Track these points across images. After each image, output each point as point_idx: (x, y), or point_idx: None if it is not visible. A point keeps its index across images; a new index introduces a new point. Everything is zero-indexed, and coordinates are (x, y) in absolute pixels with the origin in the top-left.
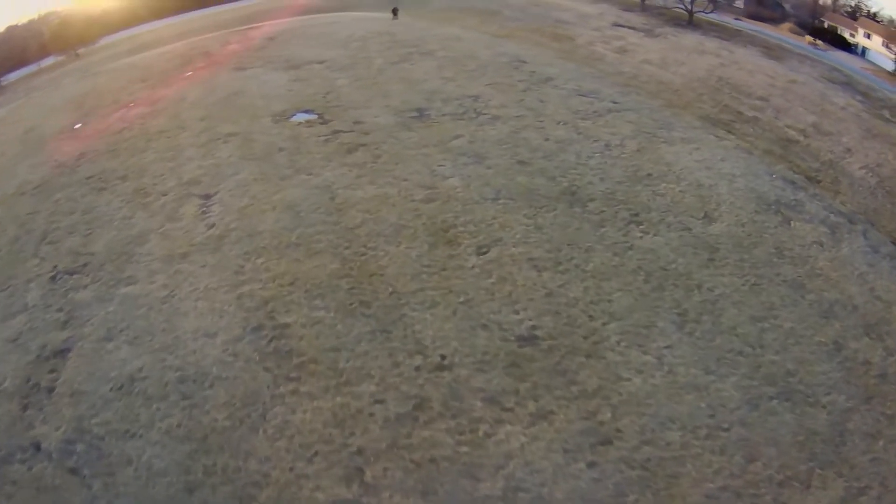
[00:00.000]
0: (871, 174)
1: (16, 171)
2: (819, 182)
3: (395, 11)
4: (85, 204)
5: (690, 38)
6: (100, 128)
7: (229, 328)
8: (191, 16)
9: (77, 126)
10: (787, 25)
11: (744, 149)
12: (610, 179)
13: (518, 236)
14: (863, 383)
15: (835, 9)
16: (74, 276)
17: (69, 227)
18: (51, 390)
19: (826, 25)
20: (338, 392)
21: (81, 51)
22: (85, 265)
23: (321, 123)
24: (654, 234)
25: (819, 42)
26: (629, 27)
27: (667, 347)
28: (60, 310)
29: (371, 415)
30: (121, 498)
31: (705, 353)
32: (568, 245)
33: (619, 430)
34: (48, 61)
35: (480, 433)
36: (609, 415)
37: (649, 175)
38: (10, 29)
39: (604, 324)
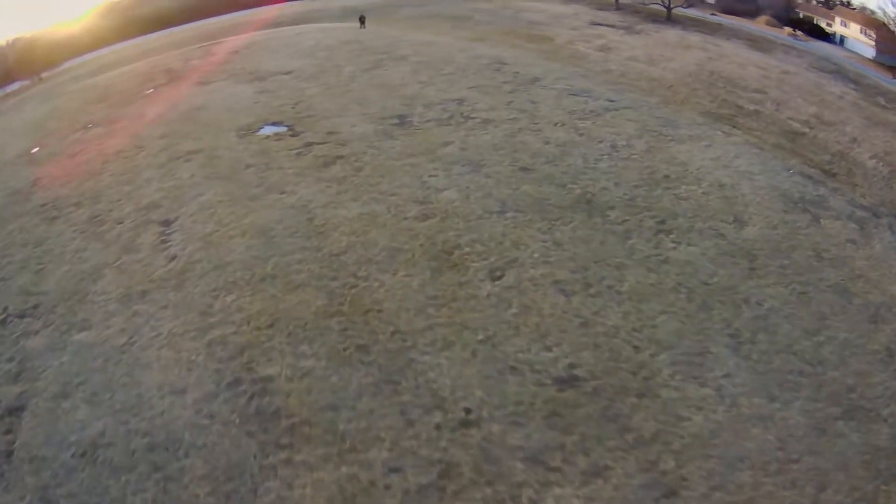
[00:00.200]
0: (882, 164)
1: None
2: (834, 175)
3: (362, 20)
4: (37, 235)
5: (672, 34)
6: (56, 151)
7: (200, 383)
8: (155, 35)
9: (34, 150)
10: (763, 18)
11: (753, 144)
12: (626, 184)
13: (536, 255)
14: None
15: (808, 0)
16: (25, 320)
17: (21, 261)
18: (9, 454)
19: (801, 16)
20: (342, 461)
21: (45, 74)
22: (36, 307)
23: (292, 136)
24: (688, 244)
25: (799, 33)
26: (607, 25)
27: (725, 376)
28: (12, 359)
29: (387, 487)
30: None
31: (766, 377)
32: (595, 263)
33: (684, 479)
34: (13, 87)
35: (525, 500)
36: (672, 462)
37: (667, 177)
38: None
39: (652, 355)
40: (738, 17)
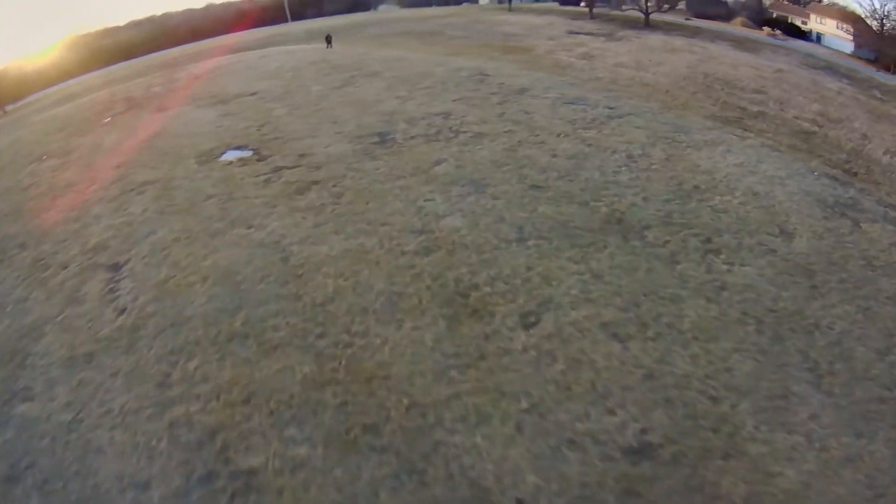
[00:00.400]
0: None
1: None
2: (856, 174)
3: (328, 40)
4: None
5: (655, 38)
6: (9, 186)
7: (166, 476)
8: (120, 66)
9: None
10: (739, 20)
11: (770, 146)
12: (655, 198)
13: (574, 292)
14: None
15: None
16: None
17: None
18: None
19: (775, 16)
20: None
21: (10, 107)
22: None
23: (258, 160)
24: (741, 265)
25: (778, 32)
26: (586, 34)
27: (812, 418)
28: None
29: None
30: None
31: (850, 411)
32: (645, 296)
33: None
34: None
35: None
36: None
37: (697, 188)
38: None
39: (732, 405)
40: (712, 21)
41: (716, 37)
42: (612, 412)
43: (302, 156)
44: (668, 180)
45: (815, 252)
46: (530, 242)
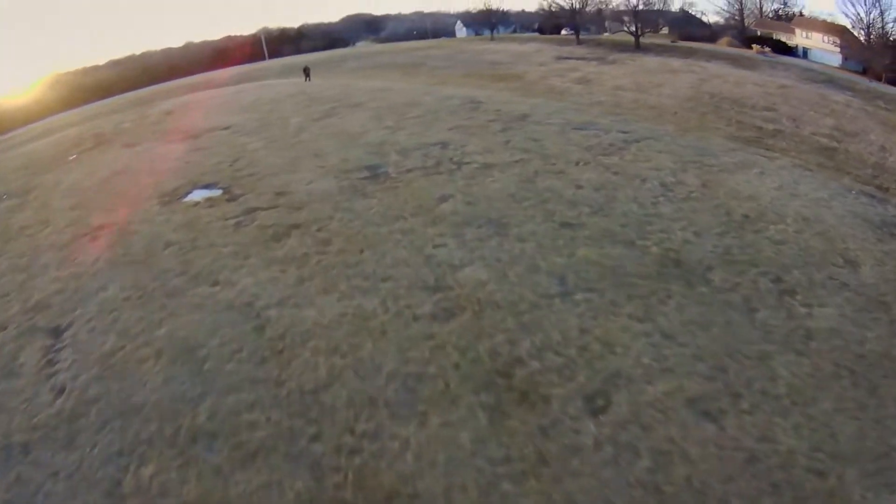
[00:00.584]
0: None
1: None
2: (887, 189)
3: (306, 72)
4: None
5: (651, 60)
6: None
7: None
8: (101, 103)
9: None
10: (724, 40)
11: (800, 166)
12: (707, 232)
13: (646, 360)
14: None
15: (761, 16)
16: None
17: None
18: None
19: (759, 34)
20: None
21: None
22: None
23: (228, 200)
24: (819, 305)
25: (767, 49)
26: (577, 58)
27: None
28: None
29: None
30: None
31: None
32: (729, 356)
33: None
34: None
35: None
36: None
37: (746, 217)
38: None
39: (839, 476)
40: (697, 42)
41: (711, 56)
42: None
43: (279, 194)
44: (713, 210)
45: (883, 281)
46: (577, 296)
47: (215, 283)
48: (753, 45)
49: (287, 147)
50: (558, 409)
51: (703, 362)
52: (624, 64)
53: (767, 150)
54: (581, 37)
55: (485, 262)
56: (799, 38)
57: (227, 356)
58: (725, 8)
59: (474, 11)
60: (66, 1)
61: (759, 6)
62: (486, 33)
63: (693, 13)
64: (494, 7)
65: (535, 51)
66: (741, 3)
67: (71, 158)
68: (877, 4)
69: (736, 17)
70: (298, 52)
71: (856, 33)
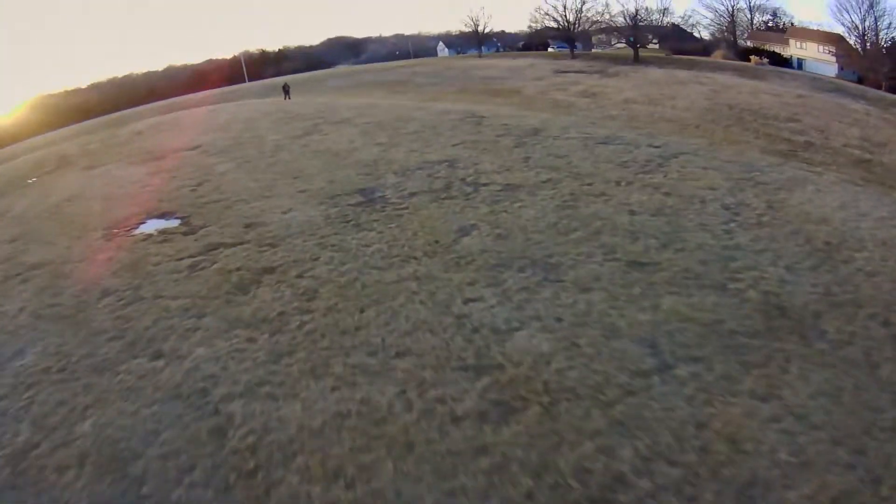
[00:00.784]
0: None
1: None
2: None
3: (286, 89)
4: None
5: (654, 73)
6: None
7: None
8: (82, 124)
9: None
10: (718, 52)
11: (847, 181)
12: (798, 266)
13: (783, 456)
14: None
15: (752, 28)
16: None
17: None
18: None
19: (751, 46)
20: None
21: None
22: None
23: (186, 234)
24: None
25: (765, 61)
26: (575, 72)
27: None
28: None
29: None
30: None
31: None
32: (866, 433)
33: None
34: None
35: None
36: None
37: (828, 244)
38: None
39: None
40: (690, 56)
41: (715, 67)
42: None
43: (249, 226)
44: (791, 237)
45: None
46: (680, 371)
47: (157, 356)
48: (751, 57)
49: (262, 168)
50: None
51: (841, 446)
52: (627, 76)
53: (807, 163)
54: (575, 51)
55: (541, 323)
56: (793, 49)
57: (172, 477)
58: (717, 21)
59: (455, 34)
60: (51, 25)
61: (749, 19)
62: (473, 52)
63: (684, 27)
64: (480, 25)
65: (528, 66)
66: (733, 17)
67: (30, 182)
68: (871, 11)
69: (725, 31)
70: (279, 73)
71: (851, 42)
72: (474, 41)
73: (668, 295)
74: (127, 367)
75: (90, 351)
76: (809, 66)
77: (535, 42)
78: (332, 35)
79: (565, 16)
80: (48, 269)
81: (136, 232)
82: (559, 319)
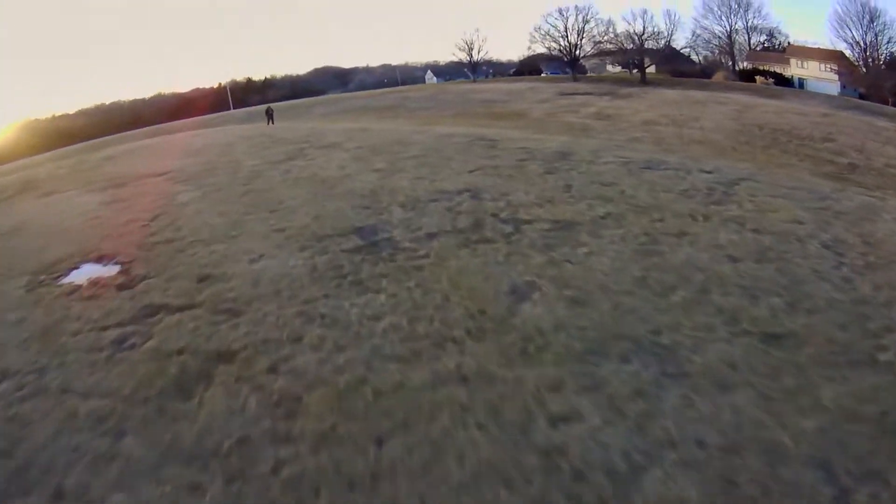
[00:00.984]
0: None
1: None
2: None
3: (269, 114)
4: None
5: (668, 94)
6: None
7: None
8: (66, 148)
9: None
10: (720, 74)
11: None
12: None
13: None
14: None
15: (750, 49)
16: None
17: None
18: None
19: (750, 67)
20: None
21: None
22: None
23: (121, 287)
24: None
25: (771, 81)
26: (582, 94)
27: None
28: None
29: None
30: None
31: None
32: None
33: None
34: None
35: None
36: None
37: None
38: None
39: None
40: (690, 78)
41: (727, 88)
42: None
43: (204, 279)
44: None
45: None
46: (858, 496)
47: (57, 497)
48: (757, 78)
49: (231, 198)
50: None
51: None
52: (640, 98)
53: (864, 188)
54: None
55: (677, 453)
56: (794, 69)
57: None
58: (715, 43)
59: (443, 63)
60: (45, 50)
61: (747, 40)
62: (466, 78)
63: (680, 49)
64: (475, 49)
65: (528, 88)
66: (731, 38)
67: None
68: (871, 26)
69: (718, 53)
70: (265, 101)
71: (853, 58)
72: (464, 69)
73: (824, 382)
74: None
75: None
76: (811, 85)
77: (526, 68)
78: (320, 65)
79: (566, 36)
80: None
81: (65, 280)
82: (702, 444)
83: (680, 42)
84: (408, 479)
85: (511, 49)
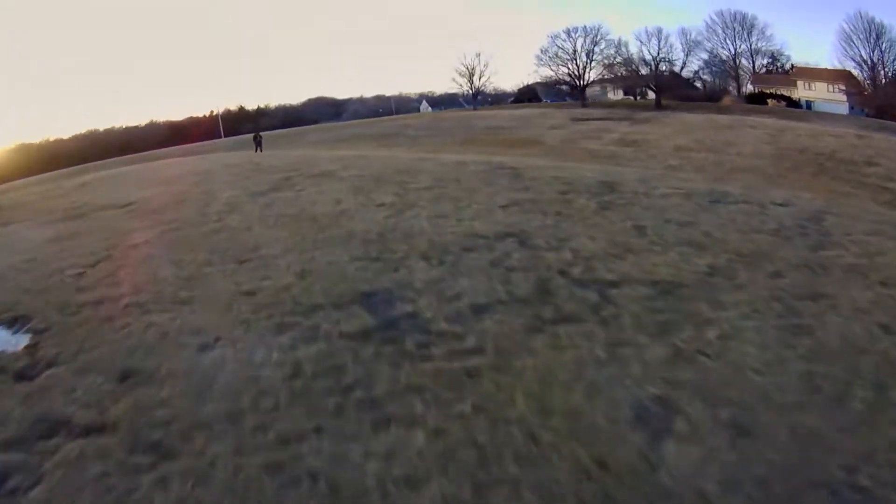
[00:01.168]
0: None
1: None
2: None
3: (257, 140)
4: None
5: (690, 118)
6: None
7: None
8: (54, 172)
9: None
10: (728, 98)
11: None
12: None
13: None
14: None
15: (754, 72)
16: None
17: None
18: None
19: (758, 91)
20: None
21: None
22: None
23: (20, 375)
24: None
25: (783, 103)
26: (597, 119)
27: None
28: None
29: None
30: None
31: None
32: None
33: None
34: None
35: None
36: None
37: None
38: None
39: None
40: (696, 102)
41: (747, 111)
42: None
43: (127, 378)
44: None
45: None
46: None
47: None
48: (769, 101)
49: (194, 240)
50: None
51: None
52: (662, 123)
53: None
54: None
55: None
56: (802, 91)
57: None
58: (720, 67)
59: (438, 94)
60: (47, 77)
61: (751, 64)
62: (464, 107)
63: (683, 74)
64: (476, 74)
65: (537, 115)
66: (736, 63)
67: None
68: (878, 43)
69: (719, 78)
70: (257, 129)
71: (861, 77)
72: (460, 98)
73: None
74: None
75: None
76: (819, 107)
77: (525, 96)
78: (313, 95)
79: (574, 59)
80: None
81: None
82: None
83: (695, 65)
84: None
85: (504, 80)
